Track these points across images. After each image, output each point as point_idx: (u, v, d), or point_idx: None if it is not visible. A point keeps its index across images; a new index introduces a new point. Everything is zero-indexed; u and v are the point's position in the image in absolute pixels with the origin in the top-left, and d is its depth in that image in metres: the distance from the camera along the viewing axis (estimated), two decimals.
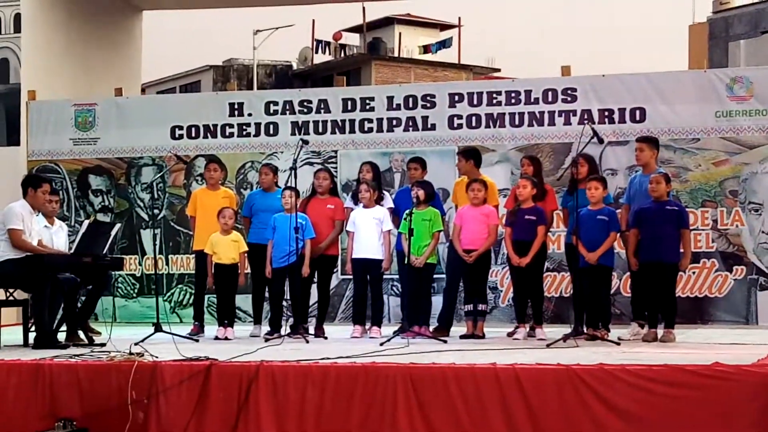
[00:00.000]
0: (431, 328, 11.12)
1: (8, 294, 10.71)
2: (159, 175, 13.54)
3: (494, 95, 13.00)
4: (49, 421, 8.25)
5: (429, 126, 13.13)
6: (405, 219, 10.80)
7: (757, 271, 12.09)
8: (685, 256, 10.37)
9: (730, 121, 12.18)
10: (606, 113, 12.53)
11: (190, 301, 12.82)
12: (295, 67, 47.07)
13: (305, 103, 13.60)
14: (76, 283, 10.50)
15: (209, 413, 8.06)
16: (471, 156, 11.44)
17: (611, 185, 11.39)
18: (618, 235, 10.62)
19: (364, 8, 43.95)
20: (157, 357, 8.50)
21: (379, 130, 13.31)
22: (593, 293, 10.40)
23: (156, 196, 13.77)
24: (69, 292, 10.41)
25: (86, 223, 12.17)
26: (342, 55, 46.78)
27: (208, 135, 13.83)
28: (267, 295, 11.70)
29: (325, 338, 11.21)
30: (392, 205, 11.57)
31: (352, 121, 13.42)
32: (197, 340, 10.90)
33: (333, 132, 13.45)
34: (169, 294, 13.76)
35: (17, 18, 14.88)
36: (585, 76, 13.06)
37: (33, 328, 10.41)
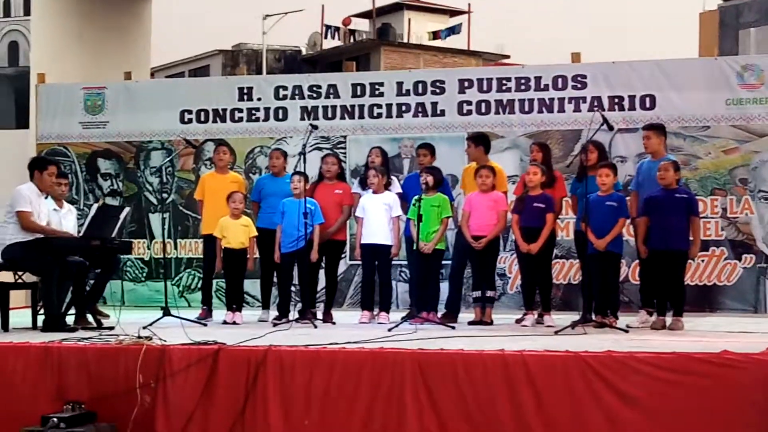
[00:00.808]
0: (439, 314, 11.12)
1: (17, 277, 10.74)
2: (168, 159, 13.52)
3: (504, 81, 12.98)
4: (58, 403, 8.26)
5: (438, 112, 13.12)
6: (414, 205, 10.79)
7: (766, 260, 12.07)
8: (694, 244, 10.34)
9: (741, 109, 12.15)
10: (616, 100, 12.51)
11: (199, 286, 12.84)
12: (304, 52, 46.99)
13: (314, 88, 13.58)
14: (84, 267, 10.51)
15: (217, 397, 8.08)
16: (480, 142, 11.42)
17: (621, 172, 11.35)
18: (627, 221, 10.59)
19: None
20: (165, 341, 8.52)
21: (389, 115, 13.31)
22: (602, 280, 10.38)
23: (165, 180, 13.77)
24: (78, 275, 10.43)
25: (95, 206, 12.18)
26: (351, 40, 46.69)
27: (217, 119, 13.83)
28: (275, 279, 11.70)
29: (333, 323, 11.21)
30: (400, 191, 11.56)
31: (361, 107, 13.41)
32: (205, 325, 10.88)
33: (342, 117, 13.45)
34: (177, 278, 13.79)
35: (27, 1, 14.88)
36: (595, 63, 13.04)
37: (42, 311, 10.43)
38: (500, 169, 11.31)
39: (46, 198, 10.70)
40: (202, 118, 13.87)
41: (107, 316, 11.14)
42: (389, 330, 9.73)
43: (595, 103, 12.43)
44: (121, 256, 12.38)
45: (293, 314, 11.13)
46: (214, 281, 12.02)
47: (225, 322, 11.16)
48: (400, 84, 13.32)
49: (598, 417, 7.41)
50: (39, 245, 10.16)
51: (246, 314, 11.54)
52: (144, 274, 13.99)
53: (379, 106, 13.34)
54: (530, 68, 13.42)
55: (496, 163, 11.41)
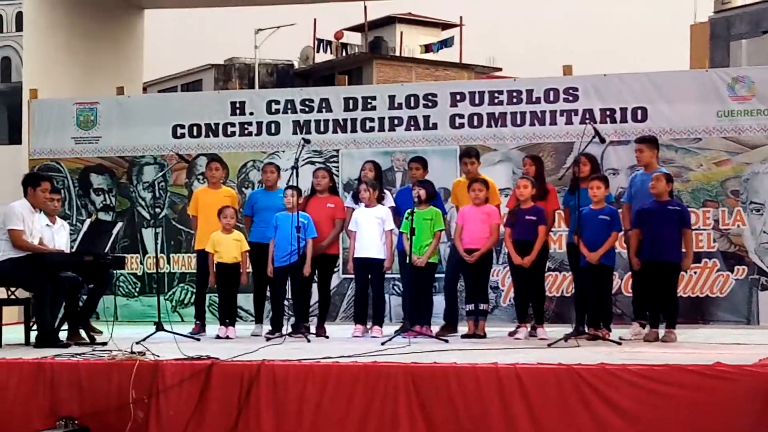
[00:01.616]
0: (437, 327, 11.13)
1: (10, 293, 10.72)
2: (161, 174, 13.52)
3: (496, 95, 12.99)
4: (50, 420, 8.26)
5: (430, 125, 13.12)
6: (406, 218, 10.80)
7: (759, 271, 12.07)
8: (686, 256, 10.36)
9: (732, 121, 12.17)
10: (607, 113, 12.52)
11: (192, 300, 12.82)
12: (296, 66, 47.08)
13: (307, 102, 13.59)
14: (77, 282, 10.51)
15: (210, 412, 8.06)
16: (480, 157, 11.50)
17: (613, 185, 11.37)
18: (620, 234, 10.61)
19: (365, 7, 44.00)
20: (158, 356, 8.50)
21: (381, 129, 13.29)
22: (595, 293, 10.38)
23: (157, 195, 13.74)
24: (70, 290, 10.42)
25: (88, 221, 12.20)
26: (343, 54, 46.79)
27: (210, 134, 13.82)
28: (268, 294, 11.71)
29: (327, 337, 11.21)
30: (393, 205, 11.57)
31: (353, 120, 13.40)
32: (198, 339, 10.90)
33: (335, 131, 13.44)
34: (170, 293, 13.76)
35: (19, 16, 14.89)
36: (586, 76, 13.05)
37: (34, 327, 10.41)
38: (492, 182, 11.33)
39: (39, 213, 10.69)
40: (195, 133, 13.87)
41: (100, 331, 11.12)
42: (382, 344, 9.73)
43: (587, 116, 12.44)
44: (114, 272, 12.39)
45: (286, 328, 11.15)
46: (208, 296, 12.02)
47: (218, 337, 11.16)
48: (392, 97, 13.33)
49: (592, 429, 7.41)
50: (32, 261, 10.14)
51: (239, 329, 11.53)
52: (137, 290, 13.97)
53: (372, 120, 13.34)
54: (522, 81, 13.44)
55: (487, 176, 11.43)
